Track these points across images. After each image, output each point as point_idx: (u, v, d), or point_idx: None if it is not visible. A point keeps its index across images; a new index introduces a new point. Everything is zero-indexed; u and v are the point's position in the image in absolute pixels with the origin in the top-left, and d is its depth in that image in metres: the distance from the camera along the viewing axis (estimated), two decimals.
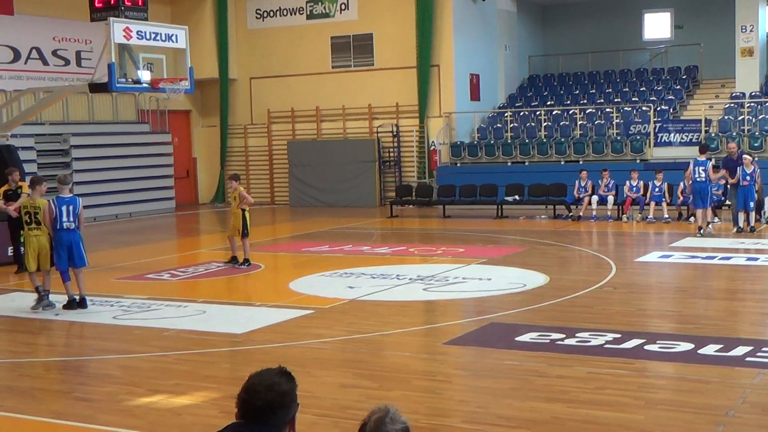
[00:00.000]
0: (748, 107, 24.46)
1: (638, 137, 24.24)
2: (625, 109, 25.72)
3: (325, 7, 27.76)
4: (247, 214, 14.80)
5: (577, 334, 9.27)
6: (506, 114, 27.13)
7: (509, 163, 25.27)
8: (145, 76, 16.55)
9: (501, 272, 13.73)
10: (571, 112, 26.43)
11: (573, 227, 19.89)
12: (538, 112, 26.67)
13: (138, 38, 16.35)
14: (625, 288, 12.33)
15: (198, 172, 30.22)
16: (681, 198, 20.05)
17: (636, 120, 25.02)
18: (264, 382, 3.46)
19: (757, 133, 23.21)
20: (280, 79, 28.50)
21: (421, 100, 26.32)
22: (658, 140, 24.13)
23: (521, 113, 27.03)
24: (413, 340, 9.85)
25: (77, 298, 11.59)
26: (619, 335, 9.15)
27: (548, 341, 9.10)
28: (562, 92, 28.74)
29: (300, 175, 27.51)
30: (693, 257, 14.88)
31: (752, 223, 17.82)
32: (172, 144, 27.65)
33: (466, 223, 21.25)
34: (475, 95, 27.31)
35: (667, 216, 19.90)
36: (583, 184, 21.35)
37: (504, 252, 16.10)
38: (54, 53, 25.05)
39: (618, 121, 25.26)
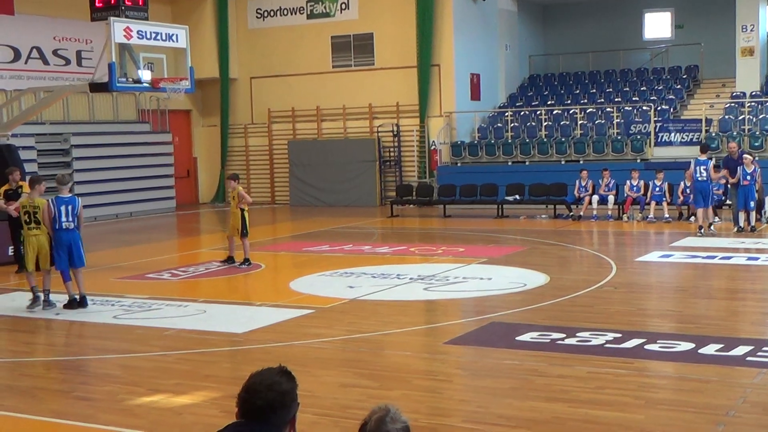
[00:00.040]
0: (748, 107, 24.45)
1: (639, 137, 24.24)
2: (626, 108, 25.72)
3: (325, 7, 27.76)
4: (246, 214, 14.81)
5: (577, 334, 9.27)
6: (507, 113, 27.13)
7: (510, 163, 25.27)
8: (145, 75, 16.55)
9: (501, 272, 13.73)
10: (571, 111, 26.43)
11: (573, 227, 19.89)
12: (538, 112, 26.67)
13: (138, 38, 16.35)
14: (626, 287, 12.33)
15: (198, 171, 30.23)
16: (681, 198, 20.05)
17: (636, 119, 25.02)
18: (264, 381, 3.46)
19: (757, 133, 23.21)
20: (281, 78, 28.50)
21: (421, 100, 26.32)
22: (659, 140, 24.13)
23: (522, 113, 27.03)
24: (414, 340, 9.85)
25: (77, 297, 11.59)
26: (619, 335, 9.15)
27: (548, 341, 9.10)
28: (562, 92, 28.74)
29: (300, 174, 27.52)
30: (693, 257, 14.88)
31: (753, 223, 17.81)
32: (172, 144, 27.65)
33: (466, 223, 21.25)
34: (475, 95, 27.31)
35: (667, 216, 19.90)
36: (583, 184, 21.34)
37: (504, 251, 16.10)
38: (54, 53, 25.06)
39: (618, 120, 25.26)
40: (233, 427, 3.50)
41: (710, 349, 8.53)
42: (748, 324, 10.38)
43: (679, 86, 27.29)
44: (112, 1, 16.31)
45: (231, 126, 29.42)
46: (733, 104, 24.87)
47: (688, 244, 16.33)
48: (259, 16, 28.92)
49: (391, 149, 26.84)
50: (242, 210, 14.75)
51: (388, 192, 26.56)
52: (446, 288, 12.57)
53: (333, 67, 27.87)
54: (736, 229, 17.76)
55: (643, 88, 27.51)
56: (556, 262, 15.01)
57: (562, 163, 24.62)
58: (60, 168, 22.69)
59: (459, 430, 6.67)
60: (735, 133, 23.13)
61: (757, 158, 19.18)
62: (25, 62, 24.31)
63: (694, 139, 23.44)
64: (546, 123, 26.05)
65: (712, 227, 17.87)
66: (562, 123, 25.82)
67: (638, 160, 23.62)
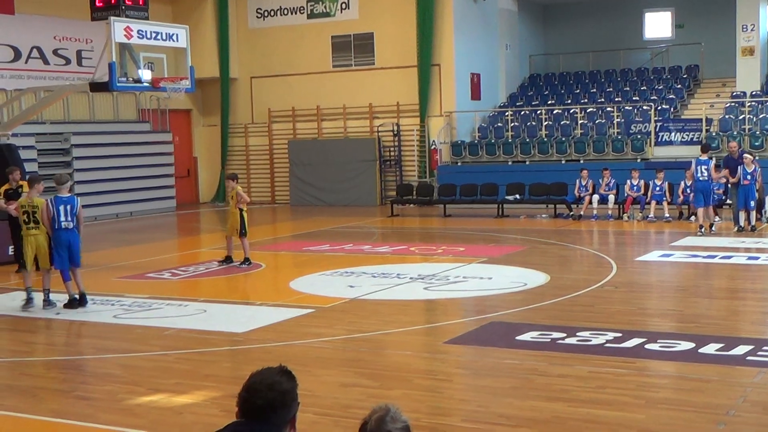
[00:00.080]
0: (748, 106, 24.45)
1: (639, 136, 24.23)
2: (626, 108, 25.71)
3: (325, 7, 27.76)
4: (244, 214, 14.79)
5: (577, 333, 9.26)
6: (507, 113, 27.13)
7: (510, 163, 25.27)
8: (145, 75, 16.55)
9: (502, 271, 13.73)
10: (571, 111, 26.42)
11: (574, 226, 19.89)
12: (538, 112, 26.66)
13: (139, 37, 16.35)
14: (626, 287, 12.33)
15: (199, 171, 30.23)
16: (681, 197, 20.04)
17: (637, 119, 25.01)
18: (265, 381, 3.46)
19: (757, 132, 23.21)
20: (281, 78, 28.50)
21: (421, 100, 26.32)
22: (659, 139, 24.12)
23: (522, 112, 27.02)
24: (414, 339, 9.85)
25: (77, 296, 11.59)
26: (619, 334, 9.15)
27: (549, 340, 9.10)
28: (562, 91, 28.74)
29: (301, 174, 27.52)
30: (694, 256, 14.88)
31: (753, 222, 17.81)
32: (172, 143, 27.65)
33: (466, 222, 21.25)
34: (475, 94, 27.31)
35: (667, 215, 19.90)
36: (583, 183, 21.34)
37: (505, 251, 16.10)
38: (55, 52, 25.05)
39: (619, 120, 25.26)
40: (233, 426, 3.50)
41: (710, 349, 8.53)
42: (748, 323, 10.38)
43: (679, 86, 27.29)
44: (113, 1, 16.31)
45: (231, 126, 29.42)
46: (733, 104, 24.86)
47: (688, 244, 16.33)
48: (259, 15, 28.92)
49: (392, 149, 26.84)
50: (241, 210, 14.74)
51: (388, 191, 26.56)
52: (446, 287, 12.57)
53: (333, 66, 27.87)
54: (736, 228, 17.75)
55: (644, 88, 27.51)
56: (556, 261, 15.01)
57: (563, 162, 24.61)
58: (60, 168, 22.69)
59: (459, 429, 6.67)
60: (735, 133, 23.12)
61: (757, 158, 19.17)
62: (26, 62, 24.31)
63: (695, 139, 23.43)
64: (546, 122, 26.05)
65: (713, 227, 17.86)
66: (562, 122, 25.82)
67: (638, 160, 23.62)
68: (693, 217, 19.19)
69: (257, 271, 14.61)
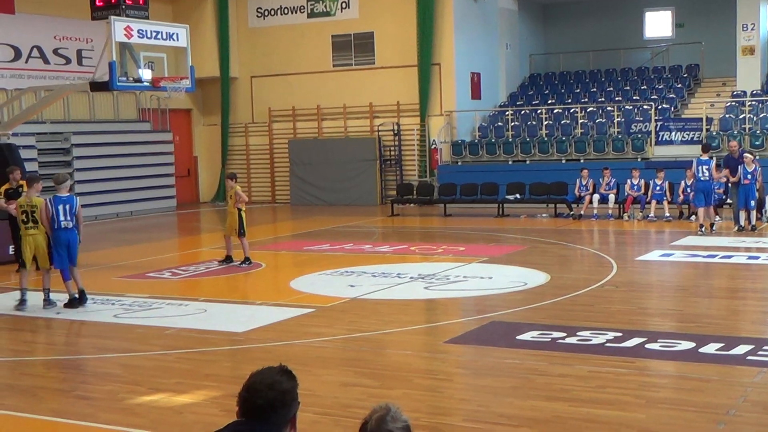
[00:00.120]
0: (749, 106, 24.44)
1: (639, 136, 24.23)
2: (627, 107, 25.71)
3: (326, 6, 27.76)
4: (243, 214, 14.78)
5: (578, 333, 9.26)
6: (507, 112, 27.13)
7: (510, 162, 25.27)
8: (146, 74, 16.56)
9: (502, 271, 13.73)
10: (572, 110, 26.42)
11: (574, 226, 19.88)
12: (539, 111, 26.65)
13: (139, 37, 16.36)
14: (626, 286, 12.33)
15: (199, 170, 30.23)
16: (682, 196, 20.03)
17: (637, 118, 25.00)
18: (265, 380, 3.46)
19: (758, 132, 23.20)
20: (281, 77, 28.50)
21: (422, 99, 26.32)
22: (660, 139, 24.11)
23: (522, 112, 27.02)
24: (414, 339, 9.85)
25: (77, 295, 11.59)
26: (620, 334, 9.14)
27: (549, 340, 9.10)
28: (563, 91, 28.73)
29: (301, 173, 27.51)
30: (694, 256, 14.87)
31: (753, 222, 17.80)
32: (173, 143, 27.65)
33: (467, 222, 21.25)
34: (476, 94, 27.31)
35: (668, 215, 19.90)
36: (584, 183, 21.34)
37: (505, 250, 16.09)
38: (55, 52, 25.06)
39: (619, 119, 25.25)
40: (234, 426, 3.50)
41: (711, 348, 8.53)
42: (748, 323, 10.38)
43: (679, 85, 27.28)
44: (113, 0, 16.31)
45: (231, 125, 29.42)
46: (733, 103, 24.86)
47: (688, 243, 16.33)
48: (259, 15, 28.92)
49: (392, 148, 26.84)
50: (239, 210, 14.72)
51: (388, 191, 26.56)
52: (447, 287, 12.57)
53: (333, 66, 27.87)
54: (736, 228, 17.75)
55: (644, 87, 27.50)
56: (556, 261, 15.00)
57: (563, 162, 24.61)
58: (60, 167, 22.68)
59: (460, 429, 6.67)
60: (735, 132, 23.12)
61: (757, 157, 19.17)
62: (26, 61, 24.31)
63: (695, 138, 23.42)
64: (547, 122, 26.04)
65: (713, 227, 17.85)
66: (562, 122, 25.81)
67: (639, 159, 23.61)
68: (693, 217, 19.18)
69: (257, 271, 14.61)
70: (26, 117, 19.16)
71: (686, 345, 8.70)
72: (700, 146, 19.05)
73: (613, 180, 21.13)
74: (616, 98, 26.94)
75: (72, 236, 11.51)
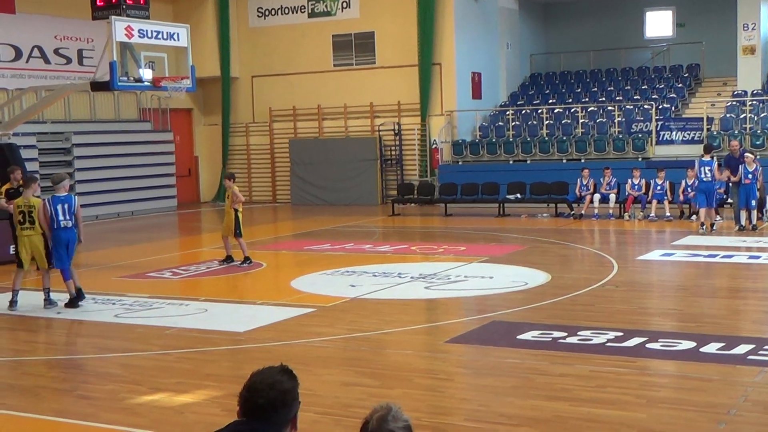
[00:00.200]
0: (749, 105, 24.43)
1: (640, 135, 24.23)
2: (627, 107, 25.71)
3: (326, 6, 27.76)
4: (239, 214, 14.75)
5: (578, 333, 9.26)
6: (508, 112, 27.12)
7: (511, 162, 25.27)
8: (146, 74, 16.56)
9: (503, 270, 13.73)
10: (572, 110, 26.42)
11: (575, 225, 19.88)
12: (539, 111, 26.65)
13: (140, 37, 16.36)
14: (627, 286, 12.33)
15: (200, 170, 30.24)
16: (682, 196, 20.03)
17: (638, 118, 25.00)
18: (266, 380, 3.47)
19: (758, 131, 23.20)
20: (282, 77, 28.51)
21: (422, 99, 26.32)
22: (660, 138, 24.11)
23: (523, 111, 27.01)
24: (415, 339, 9.85)
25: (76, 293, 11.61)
26: (620, 333, 9.14)
27: (550, 339, 9.10)
28: (563, 90, 28.73)
29: (302, 173, 27.51)
30: (695, 255, 14.87)
31: (754, 222, 17.80)
32: (173, 142, 27.66)
33: (467, 222, 21.25)
34: (476, 93, 27.31)
35: (668, 214, 19.89)
36: (584, 183, 21.33)
37: (506, 250, 16.09)
38: (56, 52, 25.06)
39: (620, 119, 25.25)
40: (235, 425, 3.50)
41: (711, 348, 8.53)
42: (749, 323, 10.38)
43: (680, 85, 27.27)
44: (113, 0, 16.31)
45: (232, 125, 29.43)
46: (734, 103, 24.85)
47: (689, 243, 16.32)
48: (260, 14, 28.92)
49: (393, 148, 26.84)
50: (236, 210, 14.70)
51: (389, 191, 26.56)
52: (447, 287, 12.57)
53: (334, 65, 27.87)
54: (737, 227, 17.74)
55: (645, 87, 27.49)
56: (557, 260, 15.00)
57: (564, 161, 24.61)
58: (61, 167, 22.68)
59: (460, 428, 6.67)
60: (736, 132, 23.12)
61: (758, 157, 19.17)
62: (27, 61, 24.32)
63: (696, 138, 23.43)
64: (547, 122, 26.03)
65: (714, 226, 17.85)
66: (563, 122, 25.81)
67: (640, 159, 23.61)
68: (694, 217, 19.18)
69: (258, 271, 14.61)
70: (27, 117, 19.17)
71: (687, 344, 8.70)
72: (702, 147, 19.04)
73: (614, 180, 21.13)
74: (617, 98, 26.94)
75: (72, 236, 11.51)
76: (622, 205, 20.85)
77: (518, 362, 8.36)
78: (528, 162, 25.05)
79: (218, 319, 10.79)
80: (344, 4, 27.48)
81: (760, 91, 25.17)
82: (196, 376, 8.27)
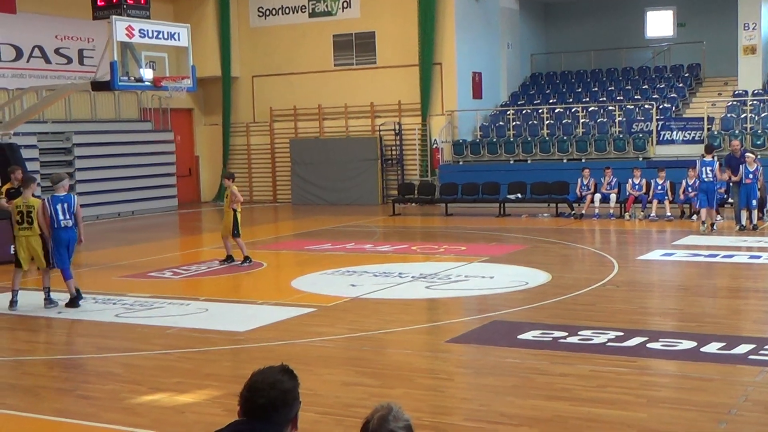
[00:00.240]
0: (750, 105, 24.43)
1: (641, 135, 24.22)
2: (628, 107, 25.70)
3: (327, 6, 27.76)
4: (238, 214, 14.74)
5: (579, 332, 9.26)
6: (509, 112, 27.12)
7: (511, 161, 25.26)
8: (147, 74, 16.56)
9: (503, 270, 13.72)
10: (573, 110, 26.42)
11: (575, 225, 19.88)
12: (540, 110, 26.65)
13: (140, 36, 16.37)
14: (628, 286, 12.33)
15: (200, 170, 30.24)
16: (683, 196, 20.03)
17: (638, 118, 25.00)
18: (266, 380, 3.46)
19: (759, 131, 23.19)
20: (283, 77, 28.51)
21: (423, 98, 26.31)
22: (661, 138, 24.11)
23: (524, 111, 27.01)
24: (415, 338, 9.85)
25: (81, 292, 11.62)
26: (621, 333, 9.14)
27: (550, 339, 9.10)
28: (564, 90, 28.73)
29: (302, 173, 27.51)
30: (695, 255, 14.87)
31: (755, 221, 17.80)
32: (174, 142, 27.66)
33: (468, 221, 21.24)
34: (477, 93, 27.30)
35: (669, 214, 19.89)
36: (585, 182, 21.33)
37: (506, 250, 16.09)
38: (56, 51, 25.07)
39: (620, 119, 25.24)
40: (235, 425, 3.50)
41: (712, 348, 8.52)
42: (749, 322, 10.38)
43: (681, 84, 27.27)
44: (114, 0, 16.32)
45: (233, 125, 29.44)
46: (735, 102, 24.84)
47: (690, 243, 16.32)
48: (260, 14, 28.92)
49: (393, 148, 26.84)
50: (234, 210, 14.68)
51: (389, 190, 26.56)
52: (448, 286, 12.57)
53: (335, 65, 27.87)
54: (738, 227, 17.74)
55: (645, 87, 27.49)
56: (558, 260, 15.00)
57: (564, 161, 24.61)
58: (62, 167, 22.69)
59: (461, 428, 6.67)
60: (737, 132, 23.11)
61: (759, 156, 19.17)
62: (27, 61, 24.32)
63: (696, 138, 23.44)
64: (548, 121, 26.03)
65: (714, 226, 17.86)
66: (564, 121, 25.81)
67: (640, 159, 23.60)
68: (695, 216, 19.18)
69: (259, 270, 14.61)
70: (28, 117, 19.17)
71: (687, 344, 8.70)
72: (704, 147, 19.04)
73: (615, 179, 21.13)
74: (618, 98, 26.93)
75: (72, 235, 11.51)
76: (622, 205, 20.85)
77: (519, 362, 8.36)
78: (529, 162, 25.05)
79: (219, 318, 10.79)
80: (345, 4, 27.48)
81: (760, 91, 25.17)
82: (197, 375, 8.27)
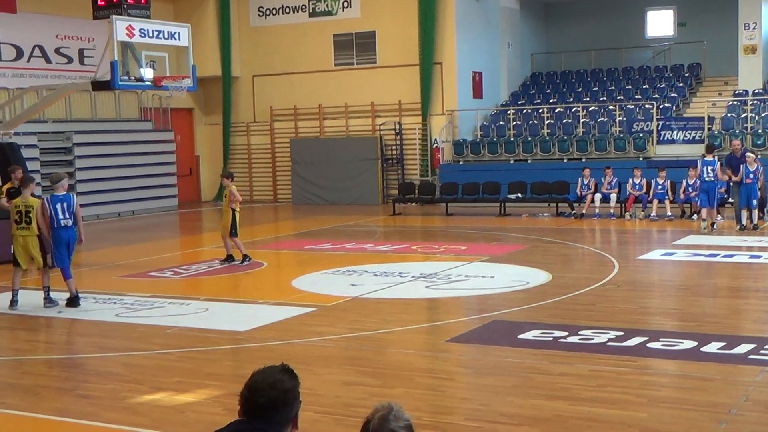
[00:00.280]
0: (750, 105, 24.43)
1: (641, 135, 24.22)
2: (628, 106, 25.70)
3: (327, 5, 27.76)
4: (237, 214, 14.74)
5: (579, 332, 9.26)
6: (509, 111, 27.12)
7: (512, 161, 25.26)
8: (147, 74, 16.56)
9: (504, 270, 13.72)
10: (573, 109, 26.41)
11: (576, 225, 19.88)
12: (540, 110, 26.65)
13: (141, 36, 16.36)
14: (628, 286, 12.32)
15: (201, 170, 30.24)
16: (683, 195, 20.03)
17: (639, 118, 25.00)
18: (267, 379, 3.47)
19: (760, 131, 23.19)
20: (283, 76, 28.50)
21: (423, 98, 26.31)
22: (661, 138, 24.10)
23: (524, 111, 27.00)
24: (416, 338, 9.85)
25: (78, 293, 11.60)
26: (621, 333, 9.14)
27: (551, 339, 9.10)
28: (564, 90, 28.73)
29: (303, 172, 27.51)
30: (696, 255, 14.87)
31: (755, 221, 17.80)
32: (174, 142, 27.66)
33: (468, 221, 21.24)
34: (477, 93, 27.30)
35: (669, 214, 19.89)
36: (585, 182, 21.33)
37: (507, 250, 16.09)
38: (57, 51, 25.06)
39: (621, 118, 25.24)
40: (235, 424, 3.50)
41: (712, 347, 8.52)
42: (750, 322, 10.38)
43: (681, 84, 27.26)
44: (114, 0, 16.31)
45: (233, 124, 29.43)
46: (735, 102, 24.84)
47: (690, 242, 16.32)
48: (261, 14, 28.92)
49: (394, 147, 26.84)
50: (233, 210, 14.68)
51: (390, 190, 26.56)
52: (448, 286, 12.57)
53: (335, 65, 27.87)
54: (738, 227, 17.74)
55: (646, 86, 27.48)
56: (558, 260, 15.00)
57: (565, 161, 24.61)
58: (62, 166, 22.69)
59: (461, 428, 6.67)
60: (737, 131, 23.11)
61: (759, 156, 19.17)
62: (28, 60, 24.32)
63: (697, 137, 23.43)
64: (548, 121, 26.03)
65: (715, 226, 17.86)
66: (564, 121, 25.80)
67: (641, 158, 23.60)
68: (695, 216, 19.18)
69: (259, 270, 14.61)
70: (28, 116, 19.17)
71: (688, 344, 8.70)
72: (705, 147, 19.04)
73: (615, 179, 21.13)
74: (618, 97, 26.93)
75: (72, 234, 11.51)
76: (623, 205, 20.85)
77: (519, 361, 8.36)
78: (529, 161, 25.04)
79: (219, 318, 10.79)
80: (345, 4, 27.48)
81: (761, 91, 25.16)
82: (197, 375, 8.28)
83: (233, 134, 29.45)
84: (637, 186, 20.68)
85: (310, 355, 8.80)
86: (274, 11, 28.66)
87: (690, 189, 19.65)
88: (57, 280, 11.75)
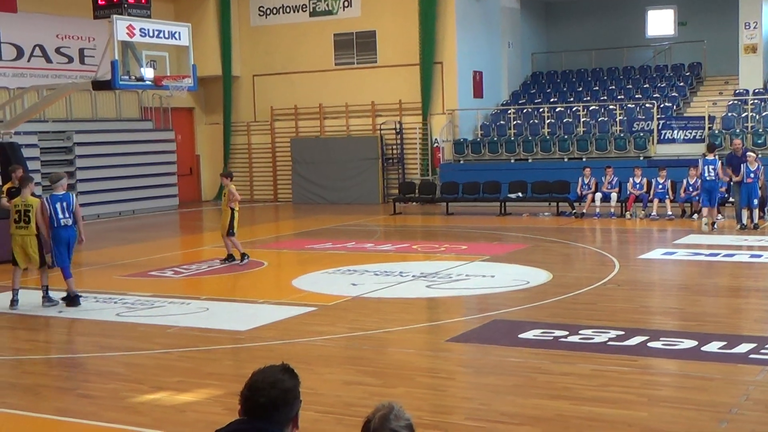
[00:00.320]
0: (751, 104, 24.42)
1: (642, 134, 24.21)
2: (629, 106, 25.69)
3: (327, 5, 27.75)
4: (236, 213, 14.73)
5: (580, 331, 9.26)
6: (509, 111, 27.11)
7: (512, 160, 25.25)
8: (148, 73, 16.55)
9: (504, 269, 13.72)
10: (574, 109, 26.40)
11: (576, 224, 19.88)
12: (541, 109, 26.64)
13: (141, 36, 16.35)
14: (629, 285, 12.32)
15: (201, 169, 30.24)
16: (684, 195, 20.03)
17: (639, 117, 24.99)
18: (267, 379, 3.46)
19: (760, 130, 23.18)
20: (283, 76, 28.50)
21: (424, 97, 26.30)
22: (662, 137, 24.09)
23: (524, 110, 27.00)
24: (416, 337, 9.85)
25: (79, 293, 11.59)
26: (622, 332, 9.14)
27: (551, 338, 9.09)
28: (565, 89, 28.72)
29: (303, 172, 27.51)
30: (696, 254, 14.87)
31: (756, 220, 17.80)
32: (175, 141, 27.65)
33: (469, 221, 21.24)
34: (478, 92, 27.30)
35: (670, 213, 19.89)
36: (586, 182, 21.33)
37: (507, 249, 16.09)
38: (57, 51, 25.06)
39: (621, 118, 25.23)
40: (236, 424, 3.50)
41: (713, 347, 8.52)
42: (751, 321, 10.38)
43: (682, 83, 27.25)
44: (115, 0, 16.31)
45: (234, 124, 29.44)
46: (736, 101, 24.83)
47: (691, 242, 16.32)
48: (261, 13, 28.92)
49: (394, 147, 26.84)
50: (232, 209, 14.67)
51: (390, 189, 26.56)
52: (449, 285, 12.57)
53: (336, 64, 27.86)
54: (739, 226, 17.74)
55: (646, 86, 27.48)
56: (558, 259, 14.99)
57: (565, 160, 24.60)
58: (63, 166, 22.70)
59: (462, 427, 6.67)
60: (738, 131, 23.10)
61: (760, 156, 19.17)
62: (28, 60, 24.32)
63: (697, 137, 23.43)
64: (549, 120, 26.02)
65: (715, 225, 17.86)
66: (564, 120, 25.79)
67: (641, 158, 23.59)
68: (696, 215, 19.18)
69: (259, 269, 14.61)
70: (28, 116, 19.15)
71: (689, 343, 8.70)
72: (706, 146, 19.04)
73: (616, 178, 21.13)
74: (619, 97, 26.92)
75: (72, 234, 11.52)
76: (623, 204, 20.84)
77: (520, 361, 8.36)
78: (529, 161, 25.04)
79: (219, 317, 10.79)
80: (345, 3, 27.47)
81: (761, 90, 25.15)
82: (198, 374, 8.28)
83: (234, 134, 29.46)
84: (638, 185, 20.68)
85: (311, 355, 8.80)
86: (274, 11, 28.65)
87: (690, 188, 19.65)
88: (57, 279, 11.75)
